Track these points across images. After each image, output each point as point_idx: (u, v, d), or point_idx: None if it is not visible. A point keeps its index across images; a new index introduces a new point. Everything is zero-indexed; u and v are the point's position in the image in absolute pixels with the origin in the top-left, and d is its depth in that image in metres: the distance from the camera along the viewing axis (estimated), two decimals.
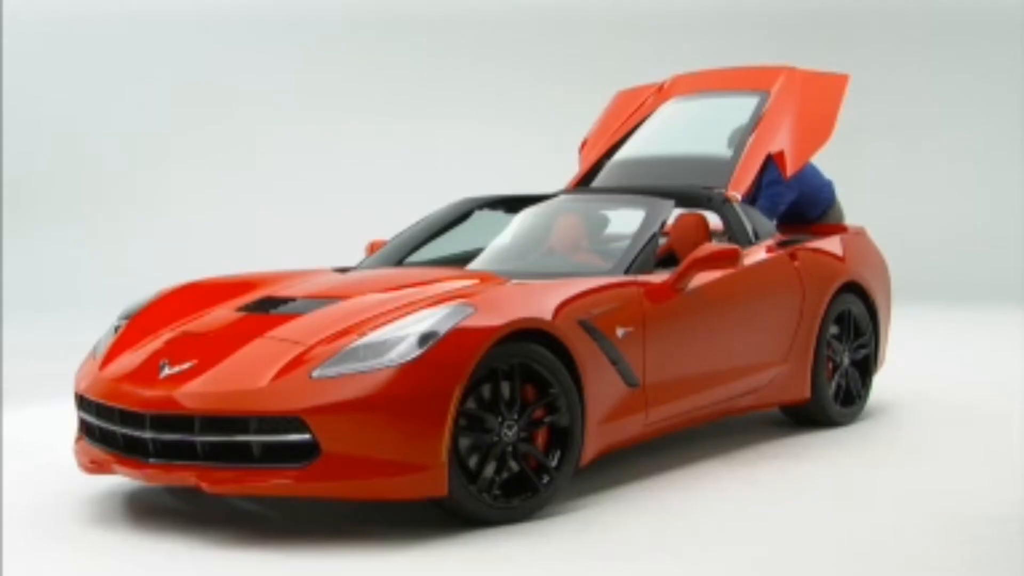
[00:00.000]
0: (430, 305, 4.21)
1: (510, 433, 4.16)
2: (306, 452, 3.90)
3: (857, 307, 6.04)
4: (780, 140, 5.92)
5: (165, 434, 4.04)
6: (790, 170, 5.99)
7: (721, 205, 5.71)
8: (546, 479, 4.26)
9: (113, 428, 4.24)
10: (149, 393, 4.11)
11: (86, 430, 4.52)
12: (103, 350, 4.64)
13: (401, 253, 5.71)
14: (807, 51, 11.04)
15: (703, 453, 5.31)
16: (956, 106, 14.37)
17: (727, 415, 5.44)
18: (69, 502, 4.56)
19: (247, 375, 4.03)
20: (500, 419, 4.15)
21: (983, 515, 4.26)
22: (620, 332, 4.63)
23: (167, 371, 4.17)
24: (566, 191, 6.24)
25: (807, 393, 5.70)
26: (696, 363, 5.10)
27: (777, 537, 4.02)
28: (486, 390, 4.14)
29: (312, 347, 4.08)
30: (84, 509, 4.46)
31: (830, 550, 3.87)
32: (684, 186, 5.79)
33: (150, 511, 4.43)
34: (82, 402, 4.51)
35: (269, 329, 4.30)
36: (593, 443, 4.49)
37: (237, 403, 3.96)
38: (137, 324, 4.72)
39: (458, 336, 4.02)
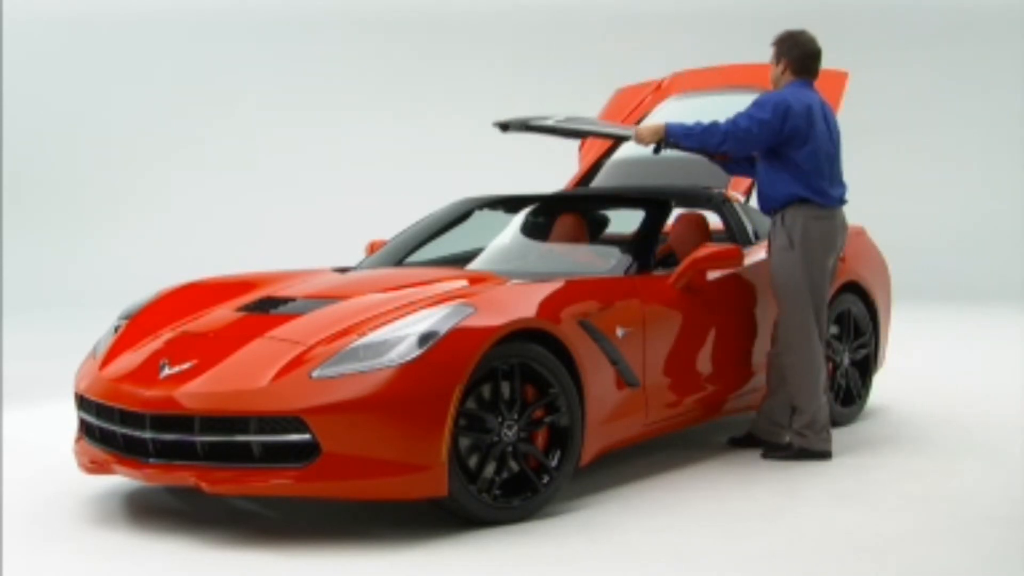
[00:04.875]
0: (430, 305, 4.21)
1: (510, 433, 4.16)
2: (306, 452, 3.89)
3: (857, 307, 6.04)
4: None
5: (165, 434, 4.04)
6: None
7: (721, 205, 5.71)
8: (546, 479, 4.26)
9: (113, 428, 4.24)
10: (149, 393, 4.11)
11: (86, 430, 4.52)
12: (103, 350, 4.64)
13: (401, 253, 5.71)
14: None
15: (703, 453, 5.31)
16: (956, 106, 14.38)
17: (727, 415, 5.44)
18: (69, 502, 4.56)
19: (247, 375, 4.02)
20: (500, 419, 4.15)
21: (983, 515, 4.26)
22: (620, 332, 4.63)
23: (167, 371, 4.17)
24: (566, 191, 6.24)
25: None
26: (696, 363, 5.10)
27: (776, 537, 4.02)
28: (486, 390, 4.14)
29: (312, 347, 4.08)
30: (84, 509, 4.46)
31: (830, 550, 3.87)
32: (684, 186, 5.79)
33: (150, 511, 4.43)
34: (82, 402, 4.50)
35: (269, 329, 4.29)
36: (593, 443, 4.49)
37: (237, 403, 3.95)
38: (137, 324, 4.72)
39: (458, 336, 4.01)
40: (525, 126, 5.56)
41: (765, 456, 5.24)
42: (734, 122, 5.09)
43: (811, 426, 5.17)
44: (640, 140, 5.26)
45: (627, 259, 5.04)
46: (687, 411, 5.08)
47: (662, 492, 4.64)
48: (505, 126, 5.65)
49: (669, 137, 5.16)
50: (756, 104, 5.13)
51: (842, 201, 5.28)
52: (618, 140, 5.79)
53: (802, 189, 5.13)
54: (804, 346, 5.14)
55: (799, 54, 5.28)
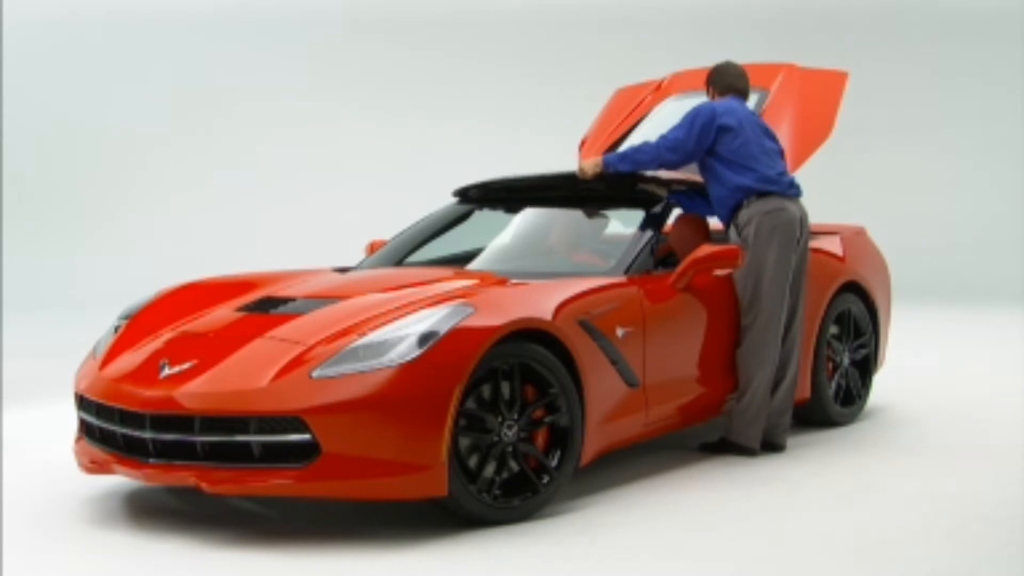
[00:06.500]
0: (430, 305, 4.21)
1: (510, 433, 4.16)
2: (306, 452, 3.89)
3: (857, 307, 6.04)
4: (779, 138, 5.92)
5: (165, 434, 4.04)
6: (790, 170, 5.99)
7: None
8: (546, 479, 4.26)
9: (113, 428, 4.24)
10: (149, 393, 4.11)
11: (86, 430, 4.52)
12: (103, 350, 4.64)
13: (401, 253, 5.71)
14: (807, 50, 11.09)
15: (703, 453, 5.31)
16: (956, 106, 14.38)
17: (726, 415, 5.43)
18: (69, 502, 4.56)
19: (247, 375, 4.02)
20: (500, 419, 4.15)
21: (983, 515, 4.26)
22: (620, 332, 4.63)
23: (167, 371, 4.17)
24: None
25: (807, 393, 5.70)
26: (696, 363, 5.10)
27: (776, 537, 4.02)
28: (486, 390, 4.14)
29: (312, 347, 4.08)
30: (84, 509, 4.46)
31: (829, 550, 3.87)
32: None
33: (150, 511, 4.43)
34: (82, 402, 4.50)
35: (269, 329, 4.29)
36: (593, 443, 4.49)
37: (237, 403, 3.95)
38: (137, 324, 4.72)
39: (458, 336, 4.01)
40: (481, 188, 5.87)
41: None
42: (663, 136, 5.34)
43: (741, 413, 5.22)
44: (583, 175, 5.44)
45: (627, 259, 5.04)
46: (687, 411, 5.08)
47: (662, 492, 4.64)
48: (464, 193, 5.97)
49: (607, 168, 5.37)
50: (683, 117, 5.36)
51: (793, 187, 5.38)
52: (558, 183, 5.81)
53: (748, 180, 5.26)
54: (756, 341, 5.21)
55: (721, 78, 5.56)
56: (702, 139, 5.26)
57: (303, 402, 3.88)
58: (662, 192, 5.50)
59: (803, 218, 5.35)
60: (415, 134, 14.29)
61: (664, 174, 5.53)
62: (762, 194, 5.26)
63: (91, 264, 13.30)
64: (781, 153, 5.47)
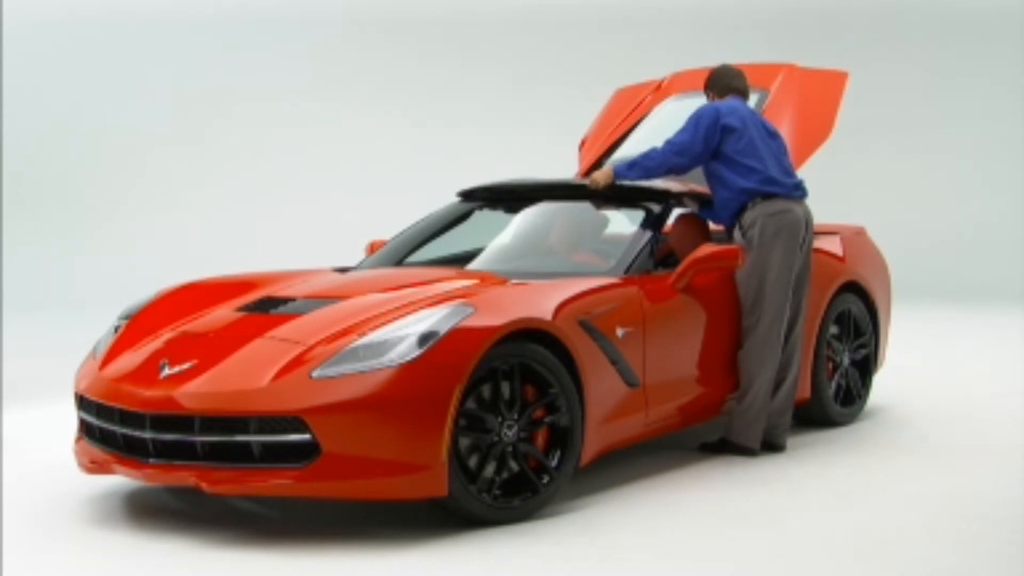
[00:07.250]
0: (430, 305, 4.21)
1: (510, 433, 4.16)
2: (306, 452, 3.89)
3: (857, 307, 6.04)
4: None
5: (165, 434, 4.04)
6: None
7: None
8: (546, 479, 4.26)
9: (113, 428, 4.23)
10: (149, 393, 4.11)
11: (86, 430, 4.52)
12: (103, 350, 4.64)
13: (401, 253, 5.71)
14: (807, 50, 11.09)
15: (703, 453, 5.31)
16: (956, 106, 14.38)
17: (727, 414, 5.43)
18: (69, 502, 4.56)
19: (247, 375, 4.02)
20: (500, 419, 4.15)
21: (983, 515, 4.26)
22: (620, 332, 4.63)
23: (167, 371, 4.17)
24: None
25: (807, 393, 5.70)
26: (696, 363, 5.10)
27: (776, 537, 4.02)
28: (486, 390, 4.14)
29: (312, 347, 4.08)
30: (84, 509, 4.46)
31: (829, 550, 3.87)
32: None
33: (150, 511, 4.43)
34: (82, 402, 4.50)
35: (269, 329, 4.29)
36: (593, 443, 4.49)
37: (237, 403, 3.95)
38: (137, 324, 4.72)
39: (458, 336, 4.01)
40: (487, 191, 5.88)
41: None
42: (669, 140, 5.34)
43: (742, 414, 5.21)
44: (595, 185, 5.44)
45: (627, 259, 5.04)
46: (687, 411, 5.08)
47: (662, 492, 4.64)
48: (469, 196, 5.96)
49: (618, 177, 5.39)
50: (687, 121, 5.35)
51: (799, 189, 5.39)
52: (571, 191, 5.81)
53: (752, 182, 5.27)
54: (759, 343, 5.20)
55: (719, 79, 5.58)
56: (708, 140, 5.26)
57: (303, 402, 3.88)
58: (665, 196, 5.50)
59: (807, 220, 5.35)
60: (415, 134, 14.29)
61: (674, 187, 5.53)
62: (767, 196, 5.26)
63: (91, 264, 13.30)
64: (786, 151, 5.46)
